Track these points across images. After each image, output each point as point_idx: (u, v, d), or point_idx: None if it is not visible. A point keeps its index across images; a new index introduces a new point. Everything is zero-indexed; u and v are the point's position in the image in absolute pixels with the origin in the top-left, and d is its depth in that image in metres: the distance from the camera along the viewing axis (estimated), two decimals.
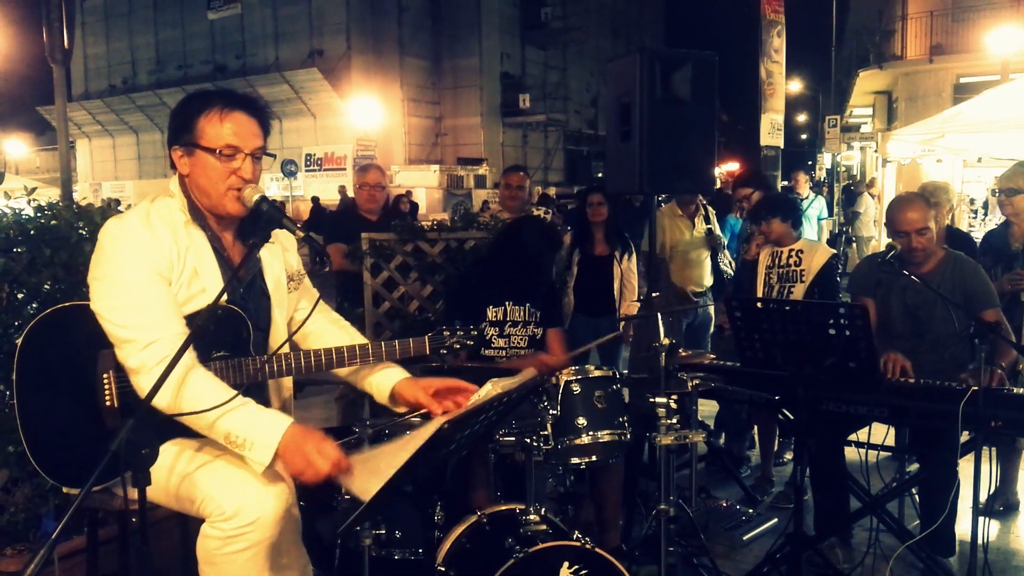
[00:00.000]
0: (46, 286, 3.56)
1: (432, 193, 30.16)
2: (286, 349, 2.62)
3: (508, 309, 4.16)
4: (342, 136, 32.31)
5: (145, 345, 2.28)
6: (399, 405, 2.75)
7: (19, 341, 2.52)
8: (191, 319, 2.40)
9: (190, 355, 2.30)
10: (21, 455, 3.27)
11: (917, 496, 4.15)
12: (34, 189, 3.98)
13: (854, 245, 17.36)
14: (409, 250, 5.25)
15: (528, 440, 3.15)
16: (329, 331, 2.84)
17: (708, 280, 6.40)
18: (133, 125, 40.22)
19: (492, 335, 4.12)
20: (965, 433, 3.42)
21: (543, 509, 3.09)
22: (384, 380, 2.75)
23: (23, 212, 3.71)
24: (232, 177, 2.45)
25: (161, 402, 2.23)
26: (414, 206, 22.08)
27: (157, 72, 38.85)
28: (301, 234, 2.42)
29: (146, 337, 2.29)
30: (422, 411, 2.72)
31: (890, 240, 4.26)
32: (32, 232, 3.56)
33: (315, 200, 24.65)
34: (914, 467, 4.73)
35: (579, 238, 6.03)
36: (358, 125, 30.74)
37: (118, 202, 23.80)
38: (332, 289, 5.51)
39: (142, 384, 2.28)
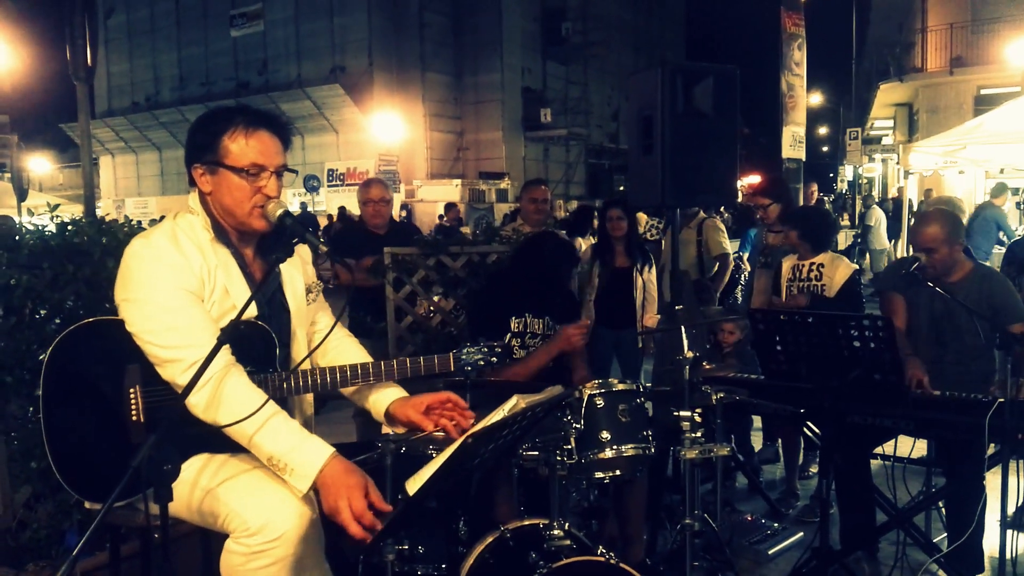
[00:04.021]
0: (68, 302, 3.55)
1: None
2: (307, 365, 2.62)
3: (528, 321, 4.15)
4: (364, 151, 32.48)
5: (191, 363, 2.26)
6: (395, 425, 2.75)
7: (44, 357, 2.53)
8: None
9: (229, 361, 2.32)
10: (44, 471, 3.29)
11: (944, 509, 4.10)
12: (57, 206, 3.97)
13: (868, 257, 17.33)
14: (431, 264, 5.25)
15: (552, 454, 3.13)
16: (344, 345, 2.84)
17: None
18: (156, 142, 40.62)
19: (514, 346, 4.11)
20: (992, 446, 3.37)
21: (567, 524, 3.05)
22: (380, 400, 2.76)
23: (46, 228, 3.73)
24: (257, 195, 2.45)
25: (198, 408, 2.26)
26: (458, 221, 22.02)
27: (180, 89, 39.27)
28: (325, 248, 2.42)
29: (192, 356, 2.28)
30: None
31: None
32: (55, 248, 3.57)
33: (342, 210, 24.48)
34: (941, 480, 4.67)
35: (600, 251, 6.03)
36: (380, 140, 30.91)
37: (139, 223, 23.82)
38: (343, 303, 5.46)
39: (193, 400, 2.27)
